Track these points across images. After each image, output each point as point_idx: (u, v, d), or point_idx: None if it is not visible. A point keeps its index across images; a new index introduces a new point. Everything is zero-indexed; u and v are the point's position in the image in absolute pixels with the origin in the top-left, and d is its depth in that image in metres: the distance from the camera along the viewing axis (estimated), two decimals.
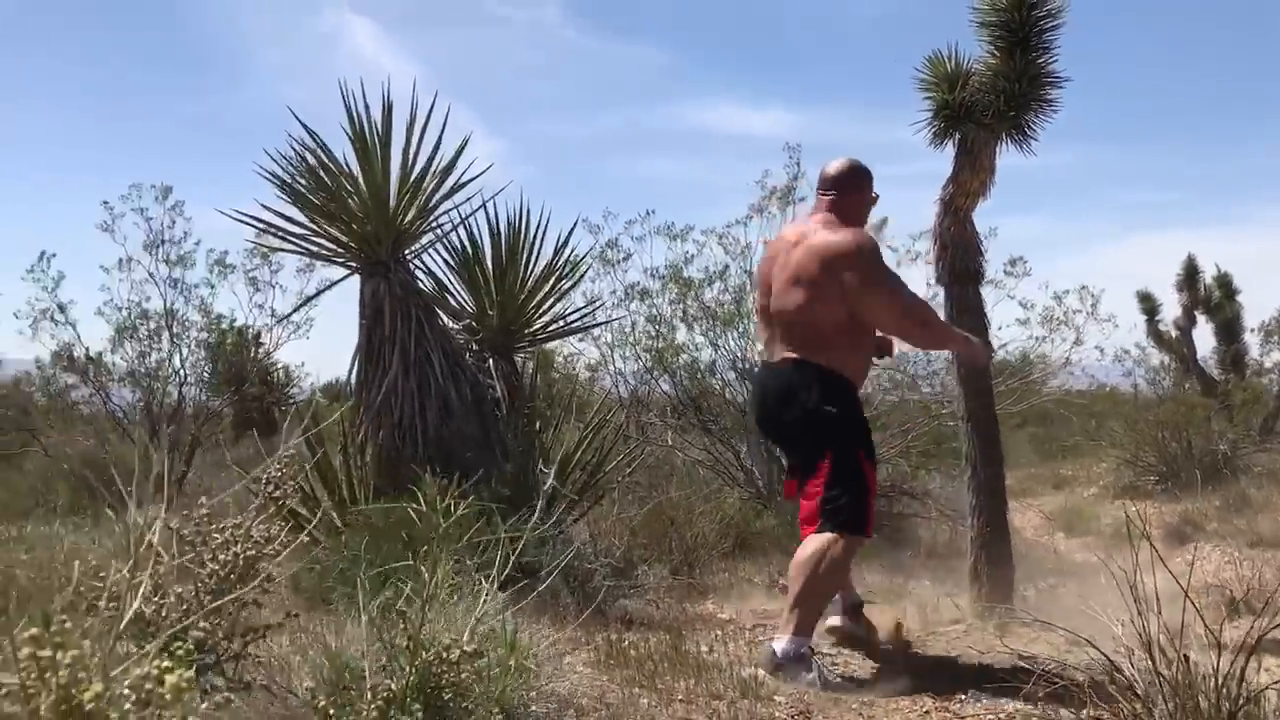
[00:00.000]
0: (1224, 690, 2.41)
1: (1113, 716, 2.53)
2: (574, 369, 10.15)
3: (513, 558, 3.41)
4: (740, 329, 7.18)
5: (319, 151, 4.87)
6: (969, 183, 4.44)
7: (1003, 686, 3.26)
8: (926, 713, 3.13)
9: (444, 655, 1.57)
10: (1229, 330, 12.47)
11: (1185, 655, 2.49)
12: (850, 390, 3.66)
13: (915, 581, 5.46)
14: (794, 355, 3.60)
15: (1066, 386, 17.11)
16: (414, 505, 3.50)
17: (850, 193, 3.78)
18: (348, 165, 4.89)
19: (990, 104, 4.27)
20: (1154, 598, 2.54)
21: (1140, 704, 2.49)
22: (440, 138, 4.95)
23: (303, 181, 4.90)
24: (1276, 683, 2.45)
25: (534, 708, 2.24)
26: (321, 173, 4.90)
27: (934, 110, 4.42)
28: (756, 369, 3.72)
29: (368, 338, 4.82)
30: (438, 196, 5.00)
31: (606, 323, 7.19)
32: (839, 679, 3.42)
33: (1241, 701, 2.40)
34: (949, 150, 4.51)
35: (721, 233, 7.50)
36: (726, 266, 7.31)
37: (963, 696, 3.26)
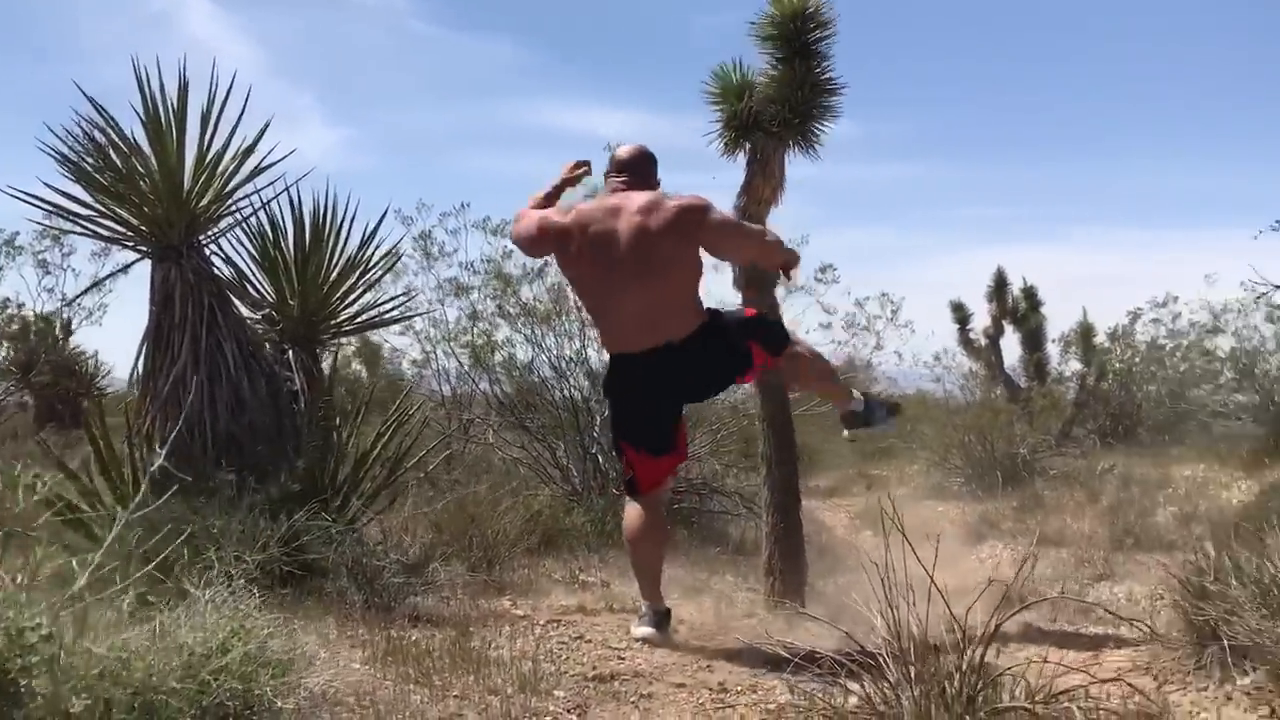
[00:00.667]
0: (965, 676, 2.53)
1: (867, 703, 2.62)
2: (399, 365, 9.97)
3: (271, 553, 3.34)
4: (560, 328, 7.17)
5: (108, 129, 4.63)
6: (761, 190, 4.55)
7: (779, 677, 3.37)
8: (702, 704, 3.17)
9: (15, 640, 1.50)
10: (1033, 340, 13.16)
11: (934, 644, 2.62)
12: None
13: (718, 577, 5.57)
14: (681, 333, 3.74)
15: (889, 391, 17.77)
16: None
17: (649, 176, 3.92)
18: (138, 144, 4.67)
19: (776, 113, 4.40)
20: (929, 591, 2.67)
21: (890, 690, 2.59)
22: (240, 118, 4.78)
23: (90, 160, 4.66)
24: (1010, 668, 2.59)
25: (280, 703, 2.18)
26: (111, 151, 4.67)
27: (724, 121, 4.52)
28: (629, 357, 3.81)
29: (156, 325, 4.61)
30: (237, 180, 4.82)
31: (413, 316, 7.06)
32: None
33: (980, 686, 2.52)
34: (741, 160, 4.61)
35: None
36: (545, 263, 7.26)
37: (739, 687, 3.33)
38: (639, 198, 3.76)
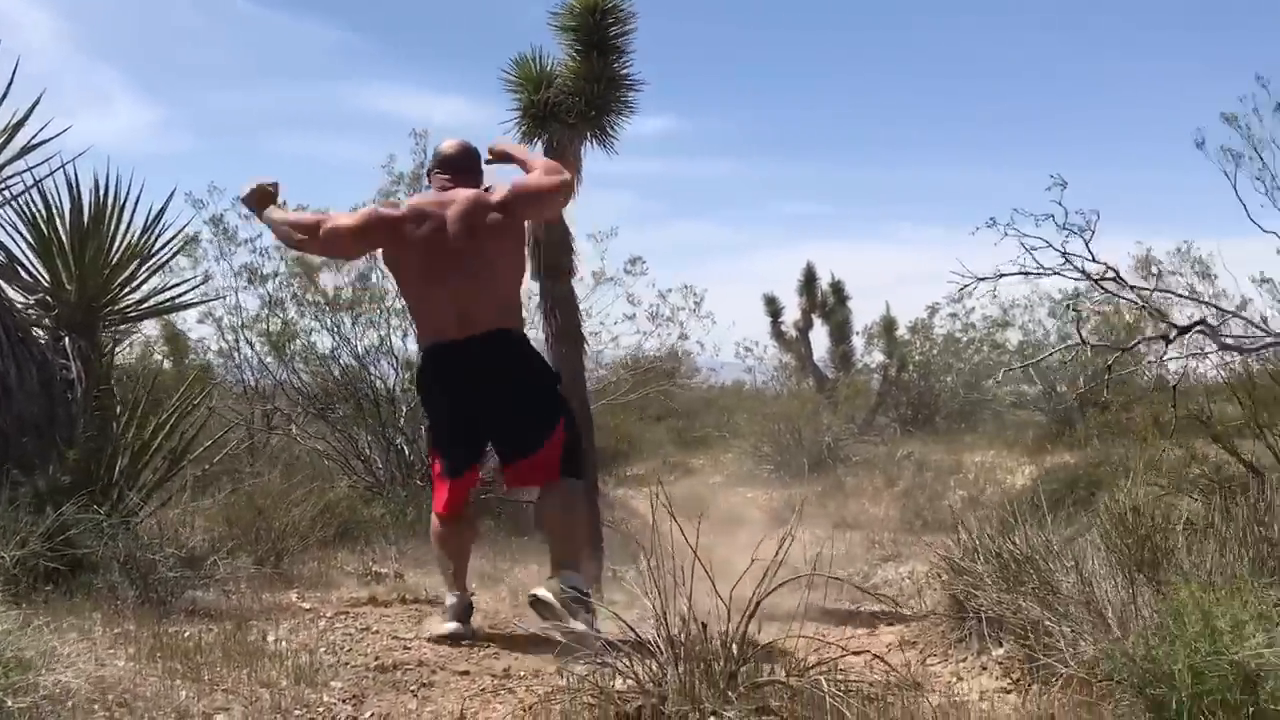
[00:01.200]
0: (728, 652, 2.62)
1: (636, 682, 2.68)
2: (205, 356, 9.54)
3: (32, 548, 3.18)
4: (365, 317, 7.02)
5: None
6: None
7: (564, 661, 3.39)
8: (483, 690, 3.18)
9: None
10: (840, 332, 13.72)
11: (703, 623, 2.70)
12: None
13: (520, 566, 5.56)
14: (503, 326, 3.71)
15: (710, 382, 18.09)
16: None
17: (475, 173, 3.92)
18: None
19: (573, 105, 4.45)
20: (694, 570, 2.75)
21: (658, 669, 2.66)
22: (9, 88, 4.51)
23: None
24: (770, 642, 2.70)
25: (11, 702, 2.07)
26: None
27: (521, 110, 4.54)
28: (444, 345, 3.72)
29: None
30: (4, 156, 4.54)
31: (204, 302, 6.77)
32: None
33: (740, 662, 2.62)
34: (539, 148, 4.63)
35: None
36: None
37: (522, 673, 3.34)
38: (467, 193, 3.77)
